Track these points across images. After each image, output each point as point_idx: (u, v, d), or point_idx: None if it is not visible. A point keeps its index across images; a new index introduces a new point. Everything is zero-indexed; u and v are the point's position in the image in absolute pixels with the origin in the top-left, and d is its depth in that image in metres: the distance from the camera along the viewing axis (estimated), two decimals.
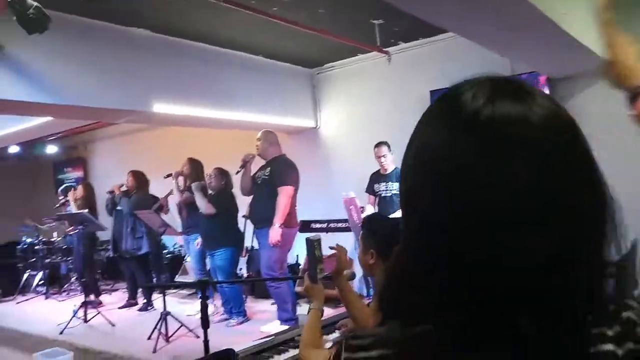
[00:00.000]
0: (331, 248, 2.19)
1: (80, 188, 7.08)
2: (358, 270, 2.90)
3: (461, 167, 0.51)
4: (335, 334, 2.59)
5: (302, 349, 1.87)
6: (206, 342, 2.53)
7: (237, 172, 5.14)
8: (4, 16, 3.17)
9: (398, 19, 4.74)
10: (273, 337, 3.14)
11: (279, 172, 4.91)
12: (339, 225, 5.40)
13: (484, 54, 4.70)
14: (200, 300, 2.58)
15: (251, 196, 5.18)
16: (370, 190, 5.26)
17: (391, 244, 2.14)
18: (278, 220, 4.73)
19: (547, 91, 4.75)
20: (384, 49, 5.48)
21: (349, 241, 4.88)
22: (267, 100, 5.78)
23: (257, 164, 5.19)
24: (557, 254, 0.49)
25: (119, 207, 6.37)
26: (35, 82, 3.94)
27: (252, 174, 5.09)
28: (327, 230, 5.44)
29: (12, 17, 2.91)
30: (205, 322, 2.53)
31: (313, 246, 2.03)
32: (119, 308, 6.56)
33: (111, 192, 6.51)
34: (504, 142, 0.51)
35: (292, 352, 2.54)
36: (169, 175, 5.86)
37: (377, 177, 5.21)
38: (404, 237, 0.57)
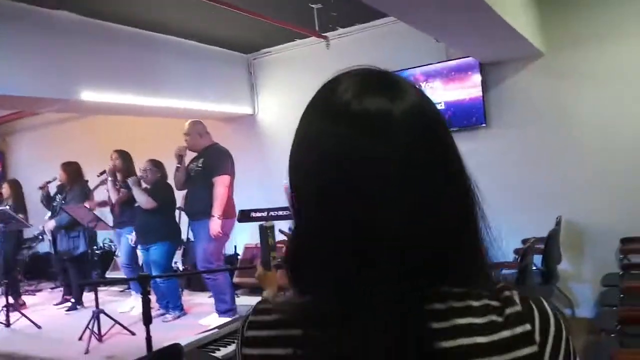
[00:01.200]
0: (282, 232, 2.13)
1: (5, 186, 6.58)
2: None
3: (330, 154, 0.58)
4: None
5: None
6: (149, 338, 2.39)
7: (177, 168, 4.97)
8: None
9: (336, 4, 4.70)
10: (217, 329, 3.04)
11: (212, 162, 4.83)
12: (280, 213, 5.30)
13: (420, 39, 4.77)
14: (140, 295, 2.45)
15: (185, 190, 5.06)
16: None
17: None
18: (217, 211, 4.65)
19: (479, 76, 4.88)
20: (323, 34, 5.43)
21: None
22: (202, 87, 5.60)
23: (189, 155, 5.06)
24: (408, 230, 0.56)
25: (54, 203, 6.03)
26: None
27: (185, 166, 4.98)
28: (267, 219, 5.35)
29: None
30: (147, 318, 2.38)
31: (266, 233, 1.99)
32: (55, 305, 6.27)
33: (41, 188, 6.13)
34: (368, 134, 0.57)
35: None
36: (102, 173, 5.61)
37: None
38: (293, 215, 0.64)
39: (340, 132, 0.58)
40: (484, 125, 4.93)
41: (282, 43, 5.94)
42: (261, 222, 2.08)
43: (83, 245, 5.79)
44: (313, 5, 4.69)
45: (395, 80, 0.63)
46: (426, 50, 5.08)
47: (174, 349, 2.01)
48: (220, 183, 4.72)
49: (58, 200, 6.03)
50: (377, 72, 0.64)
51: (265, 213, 5.39)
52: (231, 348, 2.55)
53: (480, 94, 4.89)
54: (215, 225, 4.63)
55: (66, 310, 6.01)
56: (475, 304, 0.58)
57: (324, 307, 0.57)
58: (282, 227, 2.29)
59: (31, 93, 4.24)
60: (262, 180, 6.08)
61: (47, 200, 6.21)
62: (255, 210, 5.51)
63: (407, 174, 0.57)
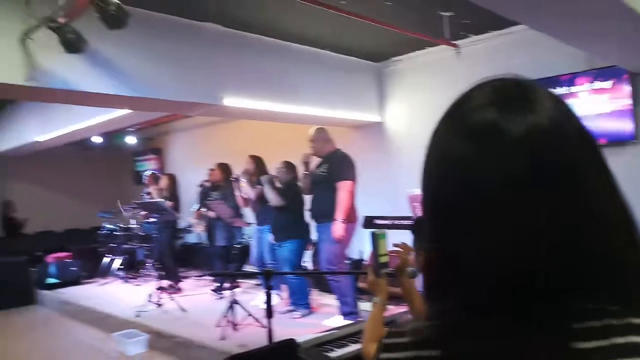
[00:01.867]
0: (395, 245, 2.18)
1: (164, 178, 7.43)
2: None
3: (463, 170, 0.56)
4: None
5: (364, 343, 1.88)
6: (270, 330, 2.59)
7: (304, 174, 5.22)
8: (87, 13, 3.38)
9: (468, 11, 4.60)
10: (335, 330, 3.16)
11: (336, 168, 4.94)
12: (403, 222, 5.33)
13: (560, 46, 4.47)
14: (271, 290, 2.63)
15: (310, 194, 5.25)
16: None
17: None
18: (340, 215, 4.76)
19: (628, 86, 4.46)
20: (453, 42, 5.33)
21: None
22: (333, 95, 5.79)
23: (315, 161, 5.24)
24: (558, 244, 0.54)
25: (209, 199, 6.65)
26: (114, 75, 4.16)
27: (310, 172, 5.16)
28: (390, 227, 5.39)
29: (94, 14, 3.09)
30: (269, 312, 2.58)
31: (378, 240, 2.04)
32: (212, 290, 6.85)
33: (201, 186, 6.80)
34: (505, 151, 0.54)
35: (353, 347, 2.55)
36: (236, 178, 6.08)
37: None
38: (429, 236, 0.61)
39: (474, 150, 0.56)
40: (633, 140, 4.50)
41: (412, 51, 5.94)
42: (373, 230, 2.14)
43: (232, 238, 6.31)
44: (443, 13, 4.64)
45: (533, 92, 0.59)
46: (567, 59, 4.76)
47: (289, 343, 2.18)
48: (343, 188, 4.82)
49: (214, 196, 6.62)
50: (513, 83, 0.60)
51: (389, 221, 5.46)
52: (346, 350, 2.64)
53: (630, 106, 4.46)
54: (338, 228, 4.75)
55: (212, 290, 6.68)
56: (636, 321, 0.55)
57: (479, 324, 0.56)
58: (404, 237, 2.32)
59: (181, 97, 4.72)
60: (386, 188, 6.12)
61: (204, 196, 6.84)
62: (380, 218, 5.60)
63: (550, 192, 0.54)
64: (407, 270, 2.20)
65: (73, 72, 3.93)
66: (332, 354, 2.56)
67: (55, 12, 3.31)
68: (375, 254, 2.08)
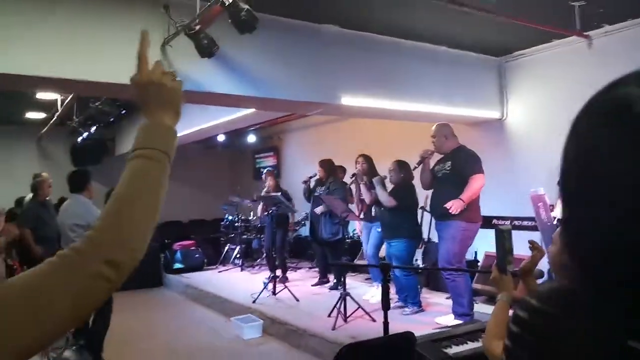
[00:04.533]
0: (531, 243, 2.10)
1: (269, 179, 7.78)
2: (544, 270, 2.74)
3: (625, 168, 0.49)
4: None
5: (486, 340, 1.85)
6: (386, 323, 2.62)
7: (414, 168, 5.19)
8: (218, 19, 3.65)
9: None
10: (450, 328, 3.13)
11: (465, 163, 4.86)
12: (525, 223, 5.11)
13: None
14: (380, 284, 2.68)
15: (431, 190, 5.19)
16: None
17: None
18: (465, 195, 4.69)
19: None
20: (585, 33, 4.98)
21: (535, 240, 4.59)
22: (451, 91, 5.67)
23: (434, 157, 5.18)
24: None
25: (316, 194, 6.85)
26: (242, 77, 4.45)
27: (430, 168, 5.10)
28: (511, 227, 5.17)
29: (227, 19, 3.33)
30: (386, 304, 2.62)
31: (503, 237, 2.00)
32: (312, 285, 7.09)
33: (305, 182, 7.07)
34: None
35: (471, 345, 2.51)
36: (353, 176, 6.17)
37: None
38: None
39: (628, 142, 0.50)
40: None
41: (537, 45, 5.63)
42: (498, 225, 2.08)
43: (341, 232, 6.41)
44: (574, 3, 4.35)
45: None
46: None
47: (407, 336, 2.21)
48: (477, 180, 4.75)
49: (318, 192, 6.80)
50: None
51: (509, 222, 5.25)
52: (463, 347, 2.61)
53: None
54: (457, 204, 4.64)
55: (329, 289, 6.78)
56: None
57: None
58: (525, 238, 2.24)
59: (302, 97, 4.91)
60: (507, 188, 5.88)
61: (309, 193, 7.05)
62: (499, 218, 5.40)
63: None
64: (535, 270, 2.13)
65: (205, 75, 4.26)
66: (449, 351, 2.55)
67: (192, 20, 3.61)
68: (500, 249, 2.04)
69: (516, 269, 2.10)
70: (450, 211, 4.65)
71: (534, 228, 4.86)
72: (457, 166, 4.86)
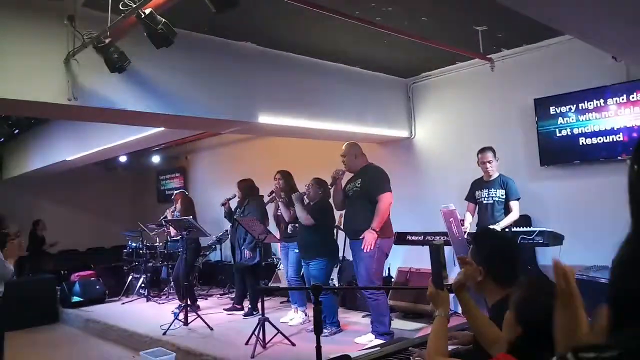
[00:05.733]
0: (460, 260, 2.12)
1: (179, 197, 7.43)
2: None
3: None
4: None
5: (430, 357, 1.82)
6: (318, 347, 2.52)
7: (335, 190, 5.19)
8: (131, 32, 3.43)
9: (502, 25, 4.60)
10: (379, 347, 3.10)
11: (372, 181, 4.91)
12: (436, 238, 5.27)
13: (594, 58, 4.44)
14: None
15: (344, 210, 5.21)
16: (470, 197, 5.10)
17: (504, 260, 2.07)
18: (376, 224, 4.70)
19: None
20: (487, 56, 5.32)
21: (446, 255, 4.75)
22: (363, 111, 5.81)
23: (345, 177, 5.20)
24: None
25: (235, 216, 6.61)
26: (155, 93, 4.22)
27: (342, 188, 5.12)
28: (423, 243, 5.33)
29: (140, 32, 3.13)
30: (318, 328, 2.52)
31: (437, 252, 1.98)
32: (225, 310, 6.79)
33: (223, 205, 6.81)
34: None
35: None
36: (271, 194, 6.01)
37: (480, 183, 5.04)
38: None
39: None
40: None
41: (443, 66, 5.94)
42: (432, 240, 2.09)
43: (259, 256, 6.22)
44: (478, 28, 4.64)
45: None
46: (602, 71, 4.72)
47: (345, 359, 2.13)
48: (384, 200, 4.78)
49: (237, 214, 6.57)
50: None
51: (422, 237, 5.40)
52: None
53: None
54: (370, 237, 4.65)
55: (243, 316, 6.50)
56: None
57: None
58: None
59: (218, 115, 4.76)
60: (416, 204, 6.07)
61: (230, 215, 6.80)
62: (412, 234, 5.54)
63: None
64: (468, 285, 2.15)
65: (115, 91, 4.00)
66: None
67: (102, 32, 3.36)
68: (435, 265, 2.03)
69: (449, 284, 2.11)
70: (364, 249, 4.66)
71: (445, 243, 5.02)
72: (366, 183, 4.91)
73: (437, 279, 2.00)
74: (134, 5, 2.99)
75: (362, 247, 4.70)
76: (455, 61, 5.73)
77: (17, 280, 7.50)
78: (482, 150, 4.93)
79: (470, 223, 4.96)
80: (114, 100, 4.01)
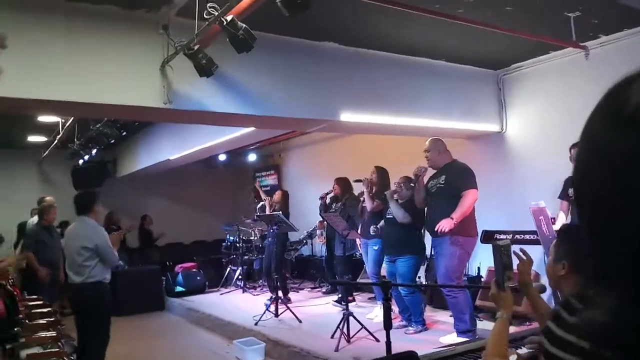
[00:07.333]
0: (515, 254, 2.06)
1: (278, 193, 7.76)
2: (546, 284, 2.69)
3: (624, 163, 0.50)
4: (524, 350, 2.42)
5: (487, 358, 1.80)
6: (388, 343, 2.56)
7: (418, 186, 5.15)
8: (217, 39, 3.67)
9: (598, 10, 4.29)
10: (454, 346, 3.06)
11: (458, 177, 4.82)
12: (526, 237, 5.04)
13: None
14: (382, 303, 2.61)
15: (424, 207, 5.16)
16: (564, 195, 4.81)
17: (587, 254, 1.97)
18: (456, 214, 4.61)
19: None
20: (581, 44, 4.99)
21: (536, 254, 4.53)
22: (450, 105, 5.68)
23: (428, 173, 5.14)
24: None
25: (331, 211, 6.86)
26: (241, 95, 4.46)
27: (424, 184, 5.07)
28: (512, 242, 5.10)
29: (224, 38, 3.34)
30: (387, 323, 2.55)
31: (500, 252, 1.95)
32: (334, 302, 7.01)
33: (321, 198, 7.09)
34: None
35: None
36: (358, 181, 6.10)
37: None
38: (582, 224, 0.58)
39: (633, 139, 0.50)
40: None
41: (535, 57, 5.64)
42: (496, 241, 2.05)
43: (351, 249, 6.40)
44: (569, 14, 4.37)
45: None
46: None
47: (410, 356, 2.14)
48: (470, 196, 4.69)
49: (334, 208, 6.83)
50: None
51: (510, 235, 5.18)
52: None
53: None
54: (447, 223, 4.57)
55: (334, 301, 6.82)
56: None
57: None
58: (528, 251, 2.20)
59: (301, 115, 4.92)
60: (506, 201, 5.83)
61: (325, 209, 7.06)
62: (500, 232, 5.34)
63: None
64: (535, 285, 2.09)
65: (205, 95, 4.28)
66: None
67: (191, 40, 3.63)
68: (498, 265, 2.00)
69: (516, 285, 2.05)
70: (438, 230, 4.61)
71: (535, 242, 4.80)
72: (451, 180, 4.82)
73: (499, 279, 1.96)
74: (216, 14, 3.19)
75: (450, 250, 4.64)
76: (548, 50, 5.41)
77: (128, 269, 8.29)
78: (575, 145, 4.63)
79: (563, 223, 4.69)
80: (204, 103, 4.29)
